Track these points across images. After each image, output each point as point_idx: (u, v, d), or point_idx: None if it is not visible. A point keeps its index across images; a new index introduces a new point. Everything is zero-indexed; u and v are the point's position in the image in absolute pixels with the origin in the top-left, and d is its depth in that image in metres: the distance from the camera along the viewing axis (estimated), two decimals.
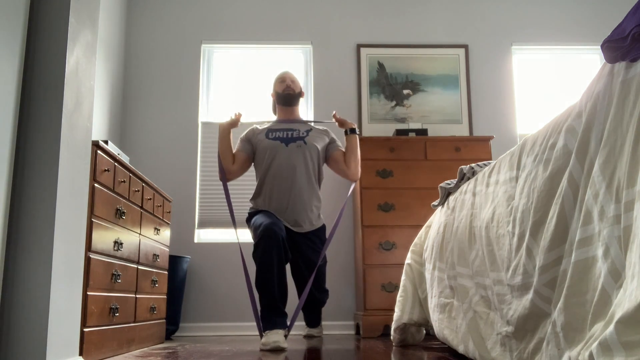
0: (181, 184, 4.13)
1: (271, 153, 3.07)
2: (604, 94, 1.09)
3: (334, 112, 3.30)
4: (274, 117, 3.37)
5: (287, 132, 3.15)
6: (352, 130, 3.22)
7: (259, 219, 2.90)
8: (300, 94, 3.29)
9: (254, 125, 3.27)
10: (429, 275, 2.39)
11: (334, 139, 3.28)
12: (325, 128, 3.32)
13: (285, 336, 2.76)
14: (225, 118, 3.24)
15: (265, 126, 3.23)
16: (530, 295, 1.27)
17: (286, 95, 3.22)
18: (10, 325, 1.52)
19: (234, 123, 3.17)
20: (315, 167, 3.13)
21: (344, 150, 3.24)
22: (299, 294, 3.19)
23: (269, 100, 3.45)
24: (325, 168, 3.46)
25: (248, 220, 3.09)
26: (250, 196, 3.23)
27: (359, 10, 4.46)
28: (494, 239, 1.56)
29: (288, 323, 2.87)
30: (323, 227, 3.22)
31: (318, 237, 3.15)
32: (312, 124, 3.31)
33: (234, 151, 3.18)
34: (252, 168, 3.31)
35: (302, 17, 4.42)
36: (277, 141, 3.10)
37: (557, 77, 4.54)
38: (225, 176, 3.13)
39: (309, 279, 3.05)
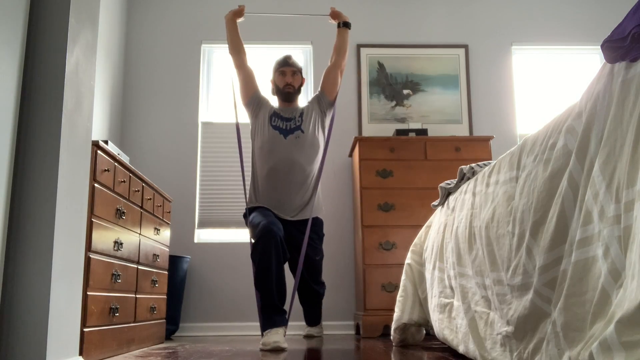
0: (181, 184, 4.13)
1: (270, 145, 3.08)
2: (604, 94, 1.09)
3: (331, 7, 3.39)
4: (274, 99, 3.34)
5: (287, 123, 3.14)
6: (346, 24, 3.30)
7: (257, 218, 2.90)
8: (300, 87, 3.29)
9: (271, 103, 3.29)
10: (429, 275, 2.39)
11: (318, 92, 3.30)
12: (312, 97, 3.31)
13: (284, 331, 2.77)
14: (229, 8, 3.34)
15: (273, 106, 3.23)
16: (530, 295, 1.27)
17: (286, 93, 3.23)
18: (10, 325, 1.52)
19: (238, 12, 3.27)
20: (313, 157, 3.13)
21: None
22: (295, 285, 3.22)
23: (268, 87, 3.39)
24: (325, 164, 3.45)
25: (245, 216, 3.10)
26: (249, 185, 3.23)
27: (359, 10, 4.46)
28: (494, 239, 1.56)
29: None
30: (321, 222, 3.23)
31: (315, 233, 3.17)
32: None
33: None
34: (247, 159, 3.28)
35: (302, 17, 4.42)
36: (276, 131, 3.10)
37: (557, 77, 4.54)
38: (234, 50, 3.22)
39: (305, 272, 3.12)
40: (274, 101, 3.30)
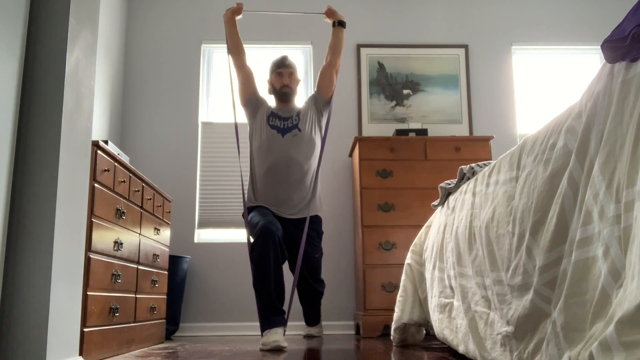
0: (181, 184, 4.13)
1: (268, 143, 3.09)
2: (604, 94, 1.09)
3: (328, 5, 3.37)
4: (270, 98, 3.33)
5: (284, 122, 3.16)
6: (340, 23, 3.29)
7: (255, 217, 2.91)
8: (296, 87, 3.30)
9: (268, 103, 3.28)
10: (429, 275, 2.39)
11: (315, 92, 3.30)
12: (308, 97, 3.32)
13: (284, 331, 2.77)
14: (227, 5, 3.31)
15: (271, 106, 3.24)
16: (530, 295, 1.27)
17: (283, 94, 3.24)
18: (10, 325, 1.52)
19: (236, 11, 3.26)
20: (310, 154, 3.14)
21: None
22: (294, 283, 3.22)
23: (265, 86, 3.37)
24: (325, 164, 3.45)
25: (245, 215, 3.10)
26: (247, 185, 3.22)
27: (359, 10, 4.46)
28: (494, 239, 1.56)
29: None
30: (320, 219, 3.23)
31: (314, 231, 3.17)
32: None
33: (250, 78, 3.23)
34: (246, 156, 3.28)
35: (302, 17, 4.42)
36: (274, 130, 3.12)
37: (557, 77, 4.54)
38: (234, 49, 3.20)
39: (304, 270, 3.12)
40: (271, 100, 3.30)
